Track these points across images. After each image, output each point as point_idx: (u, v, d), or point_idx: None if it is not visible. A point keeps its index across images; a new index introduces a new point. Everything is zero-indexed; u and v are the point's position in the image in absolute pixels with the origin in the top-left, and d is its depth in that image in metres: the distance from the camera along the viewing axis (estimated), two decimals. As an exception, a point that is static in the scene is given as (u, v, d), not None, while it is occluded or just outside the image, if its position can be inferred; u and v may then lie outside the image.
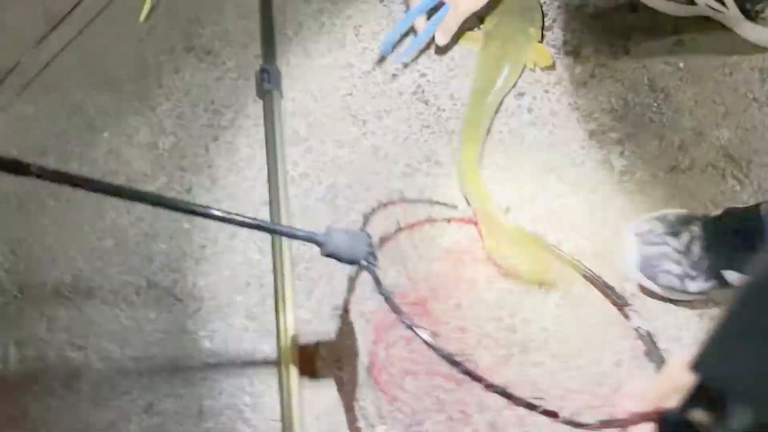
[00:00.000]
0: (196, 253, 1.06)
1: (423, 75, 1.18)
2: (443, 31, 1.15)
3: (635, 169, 1.09)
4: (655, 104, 1.14)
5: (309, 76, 1.18)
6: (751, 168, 1.08)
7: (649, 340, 0.94)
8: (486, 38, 1.17)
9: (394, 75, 1.17)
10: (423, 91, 1.16)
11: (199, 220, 1.07)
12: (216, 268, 1.05)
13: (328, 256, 0.72)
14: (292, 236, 0.73)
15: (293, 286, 1.02)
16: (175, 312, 1.02)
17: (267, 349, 1.00)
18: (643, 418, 0.52)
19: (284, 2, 1.23)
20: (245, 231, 1.06)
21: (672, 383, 0.50)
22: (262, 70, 1.13)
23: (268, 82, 1.13)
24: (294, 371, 0.96)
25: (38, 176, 0.53)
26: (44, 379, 0.98)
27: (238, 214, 0.66)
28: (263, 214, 1.08)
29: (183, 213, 0.64)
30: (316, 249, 1.02)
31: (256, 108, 1.15)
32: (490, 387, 0.60)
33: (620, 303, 0.97)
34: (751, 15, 1.13)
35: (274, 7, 1.21)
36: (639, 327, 0.95)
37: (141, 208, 1.08)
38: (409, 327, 0.68)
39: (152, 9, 1.23)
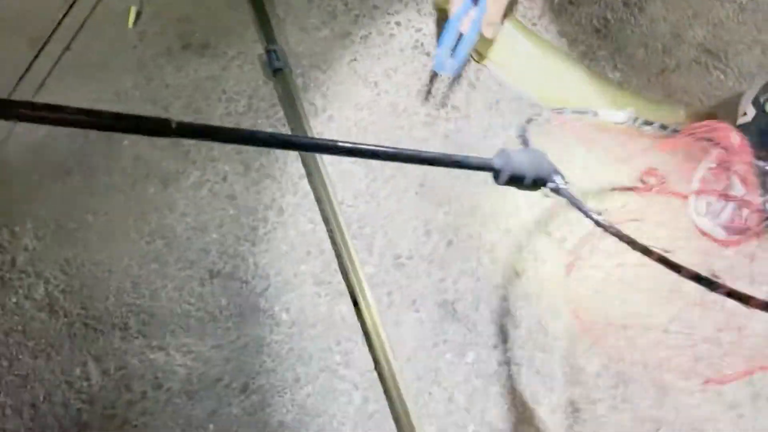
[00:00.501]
0: (250, 235, 1.07)
1: (418, 30, 1.23)
2: (489, 24, 1.11)
3: (630, 78, 1.19)
4: (632, 18, 1.24)
5: (311, 50, 1.21)
6: (729, 57, 1.20)
7: None
8: None
9: (391, 35, 1.23)
10: (422, 44, 1.22)
11: (243, 204, 1.09)
12: (273, 246, 1.06)
13: (508, 183, 0.61)
14: (465, 166, 0.62)
15: (353, 247, 1.05)
16: (244, 294, 1.03)
17: (344, 309, 1.02)
18: None
19: (267, -14, 1.26)
20: (291, 206, 1.09)
21: None
22: (269, 51, 1.16)
23: (277, 61, 1.15)
24: (378, 321, 0.99)
25: (179, 134, 0.52)
26: (132, 386, 0.97)
27: (406, 149, 0.61)
28: (303, 186, 1.10)
29: (338, 155, 0.59)
30: (363, 208, 1.07)
31: (268, 89, 1.17)
32: (696, 278, 0.57)
33: None
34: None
35: (259, -9, 1.24)
36: None
37: (182, 204, 1.09)
38: (631, 243, 0.61)
39: (138, 14, 1.22)
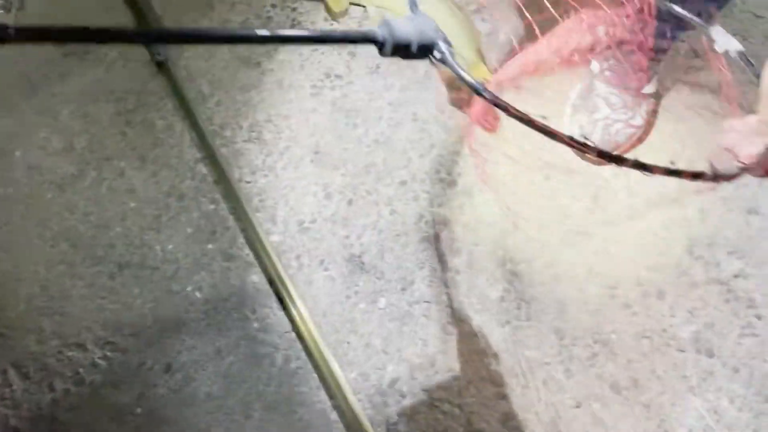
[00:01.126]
0: (154, 224, 1.09)
1: (294, 9, 1.28)
2: None
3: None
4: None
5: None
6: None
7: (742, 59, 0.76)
8: None
9: (269, 17, 1.27)
10: (299, 22, 1.27)
11: (143, 196, 1.11)
12: (178, 230, 1.09)
13: (394, 54, 0.57)
14: (347, 40, 0.59)
15: (257, 219, 1.09)
16: (155, 280, 1.06)
17: (255, 278, 1.06)
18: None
19: (141, -13, 1.29)
20: (191, 190, 1.12)
21: None
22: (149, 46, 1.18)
23: (158, 55, 1.18)
24: (290, 285, 1.03)
25: (20, 39, 0.41)
26: (55, 385, 0.98)
27: (286, 31, 0.57)
28: (200, 170, 1.14)
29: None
30: (262, 182, 1.11)
31: (155, 84, 1.20)
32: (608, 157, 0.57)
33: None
34: None
35: (134, -8, 1.26)
36: (727, 51, 0.76)
37: (82, 205, 1.10)
38: (507, 110, 0.57)
39: (14, 30, 1.23)
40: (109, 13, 1.26)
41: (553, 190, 1.12)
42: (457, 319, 1.04)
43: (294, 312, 1.02)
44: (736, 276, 1.06)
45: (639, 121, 1.12)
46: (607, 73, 1.14)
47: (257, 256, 1.07)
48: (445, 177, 1.14)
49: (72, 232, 1.09)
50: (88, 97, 1.19)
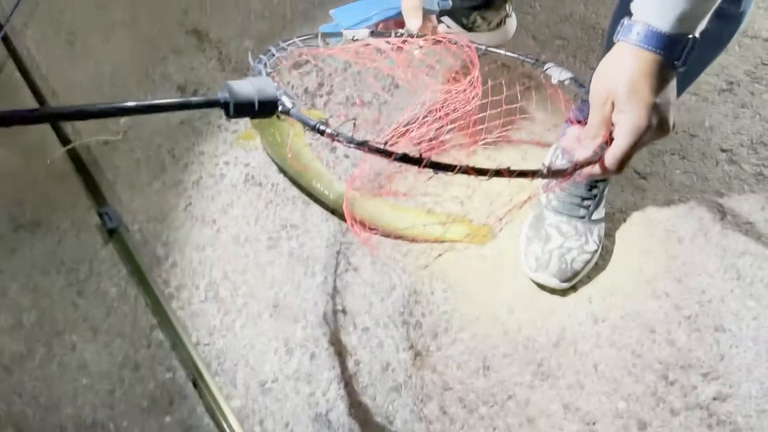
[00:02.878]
0: (107, 400, 1.03)
1: (246, 164, 1.30)
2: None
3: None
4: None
5: (145, 205, 1.24)
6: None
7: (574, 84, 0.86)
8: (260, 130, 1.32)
9: (222, 174, 1.29)
10: (253, 177, 1.28)
11: (95, 370, 1.06)
12: (133, 404, 1.03)
13: (238, 115, 0.60)
14: (191, 106, 0.61)
15: (215, 383, 1.04)
16: (109, 463, 0.99)
17: (216, 449, 1.00)
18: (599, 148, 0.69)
19: (95, 156, 1.30)
20: (147, 360, 1.07)
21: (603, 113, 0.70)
22: (101, 214, 1.18)
23: (110, 222, 1.17)
24: (251, 453, 0.97)
25: None
26: None
27: (148, 102, 0.58)
28: (156, 336, 1.10)
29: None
30: (220, 343, 1.08)
31: (108, 251, 1.18)
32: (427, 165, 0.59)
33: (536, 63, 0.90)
34: (468, 27, 1.44)
35: (86, 162, 1.27)
36: (561, 80, 0.86)
37: (30, 387, 1.04)
38: (360, 145, 0.62)
39: (-39, 209, 1.22)
40: (64, 183, 1.27)
41: (518, 323, 1.11)
42: (434, 474, 0.98)
43: (259, 484, 0.95)
44: (714, 399, 1.03)
45: (593, 246, 1.13)
46: (554, 203, 1.16)
47: (218, 425, 1.01)
48: (409, 319, 1.12)
49: (19, 417, 1.02)
50: (38, 270, 1.16)
